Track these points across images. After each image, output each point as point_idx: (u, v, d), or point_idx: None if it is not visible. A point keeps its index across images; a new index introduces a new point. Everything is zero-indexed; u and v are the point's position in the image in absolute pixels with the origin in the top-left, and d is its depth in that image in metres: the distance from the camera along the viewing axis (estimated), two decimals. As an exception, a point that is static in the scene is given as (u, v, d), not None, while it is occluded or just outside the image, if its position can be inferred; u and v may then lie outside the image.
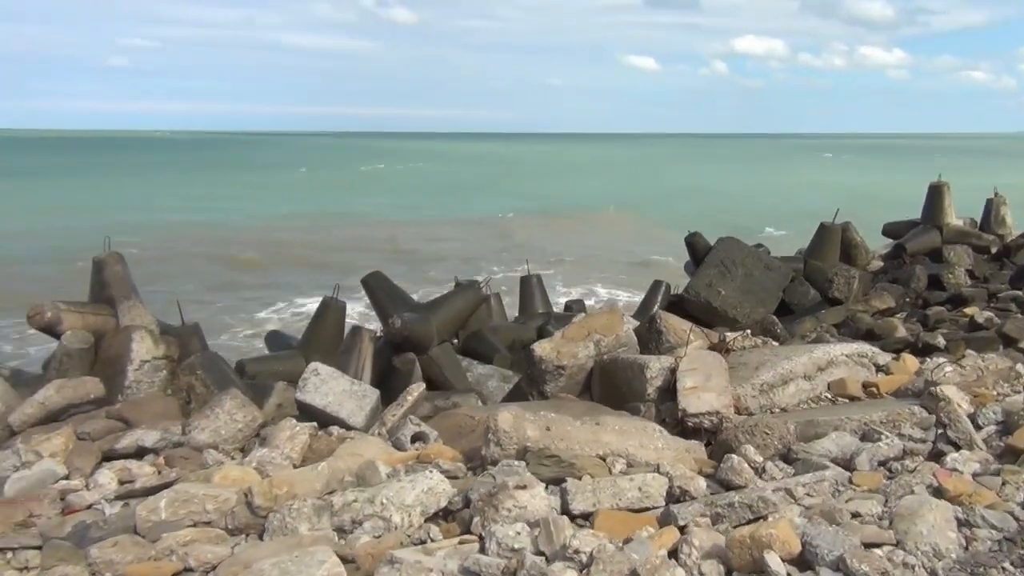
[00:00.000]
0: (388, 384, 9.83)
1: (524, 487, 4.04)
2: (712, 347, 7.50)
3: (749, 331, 7.48)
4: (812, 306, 11.74)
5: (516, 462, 4.86)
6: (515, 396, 7.85)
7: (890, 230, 14.43)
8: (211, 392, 8.06)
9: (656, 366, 6.56)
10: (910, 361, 6.97)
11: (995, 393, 5.69)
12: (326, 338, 9.80)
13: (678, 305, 12.51)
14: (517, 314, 12.84)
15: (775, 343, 7.78)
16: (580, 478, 4.65)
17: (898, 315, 10.51)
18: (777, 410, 6.28)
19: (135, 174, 71.13)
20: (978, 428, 5.27)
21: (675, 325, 7.94)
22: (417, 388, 6.27)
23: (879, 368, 6.85)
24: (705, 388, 6.11)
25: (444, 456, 5.18)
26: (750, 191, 50.62)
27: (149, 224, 35.22)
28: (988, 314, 9.07)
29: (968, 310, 10.08)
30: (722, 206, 41.80)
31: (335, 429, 5.91)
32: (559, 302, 15.02)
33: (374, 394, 6.15)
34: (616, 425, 5.15)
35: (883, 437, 5.28)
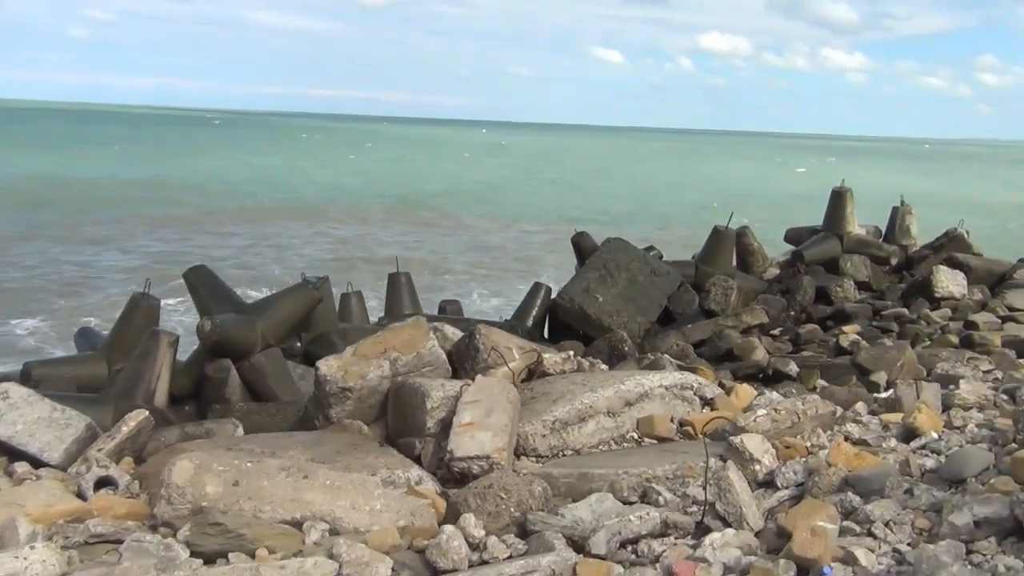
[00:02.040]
0: (202, 395, 8.80)
1: (111, 583, 3.03)
2: (529, 371, 6.58)
3: (572, 352, 6.53)
4: (693, 316, 10.90)
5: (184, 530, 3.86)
6: (304, 421, 6.83)
7: (792, 236, 13.65)
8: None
9: (439, 395, 5.60)
10: (743, 394, 6.09)
11: (808, 445, 4.81)
12: (133, 340, 8.68)
13: (553, 311, 11.65)
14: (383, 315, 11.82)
15: (603, 366, 6.84)
16: (253, 554, 3.68)
17: (774, 331, 9.70)
18: (570, 452, 5.36)
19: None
20: (775, 490, 4.40)
21: (498, 341, 6.97)
22: (136, 416, 5.21)
23: (706, 403, 5.96)
24: (483, 425, 5.16)
25: (113, 512, 4.15)
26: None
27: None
28: (855, 337, 8.24)
29: (847, 328, 9.28)
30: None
31: (20, 467, 4.86)
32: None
33: (81, 423, 5.09)
34: (328, 479, 4.16)
35: (660, 498, 4.38)
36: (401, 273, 11.79)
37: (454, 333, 7.36)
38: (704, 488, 3.91)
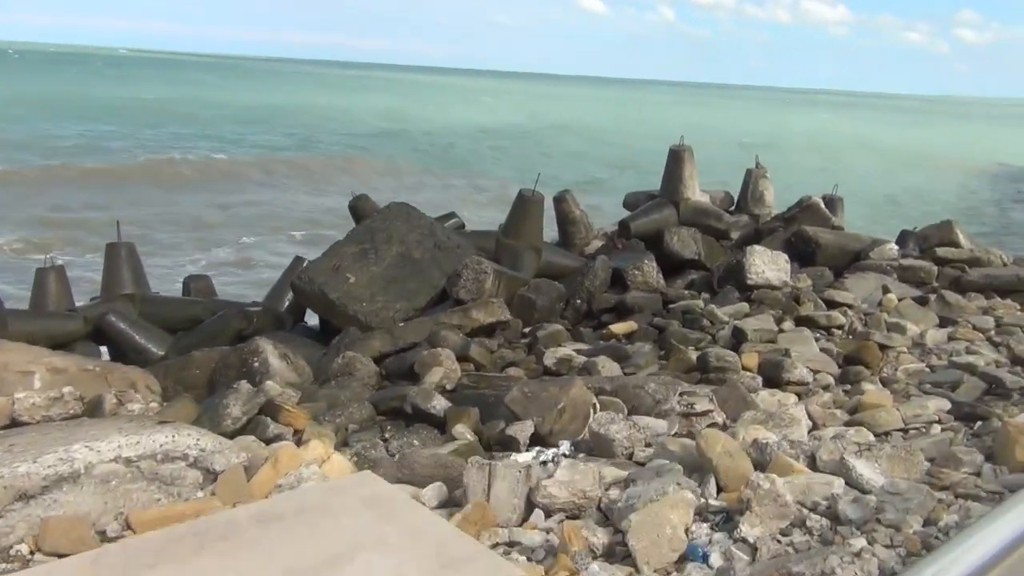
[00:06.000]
0: None
1: None
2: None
3: (70, 388, 4.35)
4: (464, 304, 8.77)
5: None
6: None
7: (630, 201, 11.53)
8: None
9: None
10: (286, 461, 3.96)
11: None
12: None
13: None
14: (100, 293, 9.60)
15: (136, 407, 4.67)
16: None
17: (527, 330, 7.60)
18: None
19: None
20: None
21: (10, 362, 4.81)
22: None
23: (215, 476, 3.85)
24: None
25: None
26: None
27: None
28: (566, 351, 6.11)
29: (617, 327, 7.20)
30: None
31: None
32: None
33: None
34: None
35: None
36: (122, 244, 9.54)
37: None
38: None
